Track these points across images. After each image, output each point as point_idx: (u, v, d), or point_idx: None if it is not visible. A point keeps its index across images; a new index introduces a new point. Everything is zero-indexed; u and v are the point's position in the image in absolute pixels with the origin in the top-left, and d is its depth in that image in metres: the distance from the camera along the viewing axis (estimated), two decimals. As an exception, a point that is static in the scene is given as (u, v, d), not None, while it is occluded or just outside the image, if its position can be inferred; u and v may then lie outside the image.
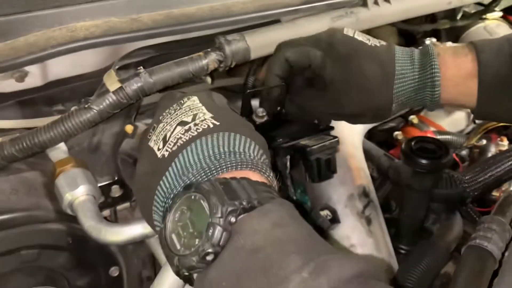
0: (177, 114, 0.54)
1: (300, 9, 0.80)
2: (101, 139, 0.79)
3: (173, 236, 0.43)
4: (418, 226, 0.88)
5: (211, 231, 0.40)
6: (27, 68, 0.71)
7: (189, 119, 0.52)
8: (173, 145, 0.50)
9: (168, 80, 0.71)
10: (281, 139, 0.73)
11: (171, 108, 0.56)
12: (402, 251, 0.89)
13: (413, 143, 0.81)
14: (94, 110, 0.68)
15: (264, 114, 0.71)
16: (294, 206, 0.45)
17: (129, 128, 0.80)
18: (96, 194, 0.67)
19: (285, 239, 0.40)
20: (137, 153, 0.62)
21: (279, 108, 0.74)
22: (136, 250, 0.77)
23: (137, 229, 0.62)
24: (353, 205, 0.83)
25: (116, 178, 0.79)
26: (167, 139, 0.51)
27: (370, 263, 0.40)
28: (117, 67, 0.76)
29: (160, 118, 0.56)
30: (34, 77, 0.73)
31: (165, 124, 0.54)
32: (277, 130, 0.75)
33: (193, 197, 0.43)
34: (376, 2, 0.87)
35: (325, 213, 0.81)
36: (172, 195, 0.47)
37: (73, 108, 0.69)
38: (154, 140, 0.54)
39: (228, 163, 0.47)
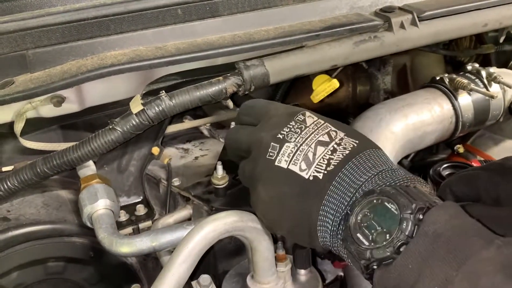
0: (306, 133, 0.55)
1: (321, 34, 0.81)
2: (130, 161, 0.84)
3: (359, 236, 0.48)
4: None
5: (404, 224, 0.45)
6: (64, 94, 0.78)
7: (326, 138, 0.54)
8: (326, 166, 0.52)
9: (187, 103, 0.75)
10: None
11: (291, 127, 0.56)
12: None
13: (441, 168, 0.78)
14: (118, 131, 0.73)
15: None
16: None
17: (155, 150, 0.84)
18: (115, 209, 0.70)
19: (463, 227, 0.45)
20: (248, 175, 0.60)
21: None
22: (156, 268, 0.79)
23: (146, 242, 0.64)
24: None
25: (141, 198, 0.83)
26: (312, 160, 0.53)
27: None
28: (144, 92, 0.81)
29: (280, 136, 0.55)
30: (72, 102, 0.80)
31: (297, 144, 0.54)
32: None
33: (375, 201, 0.48)
34: (402, 26, 0.86)
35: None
36: (344, 208, 0.51)
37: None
38: (287, 161, 0.54)
39: (395, 179, 0.51)
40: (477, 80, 0.97)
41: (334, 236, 0.51)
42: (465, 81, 0.93)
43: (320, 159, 0.52)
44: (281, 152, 0.54)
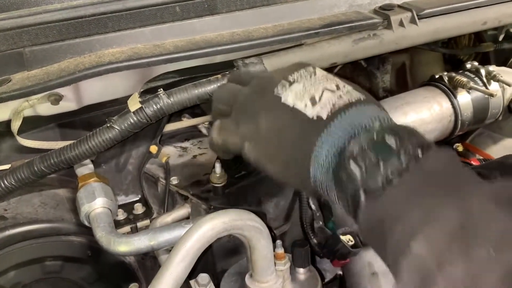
0: (315, 80, 0.56)
1: (320, 32, 0.81)
2: (128, 159, 0.83)
3: (352, 167, 0.47)
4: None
5: (402, 157, 0.45)
6: (62, 92, 0.77)
7: (333, 87, 0.54)
8: (331, 108, 0.52)
9: (186, 101, 0.75)
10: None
11: (301, 72, 0.57)
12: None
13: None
14: (116, 130, 0.72)
15: None
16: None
17: (153, 148, 0.84)
18: (113, 208, 0.70)
19: (460, 170, 0.45)
20: (244, 100, 0.59)
21: None
22: (155, 267, 0.79)
23: (144, 241, 0.64)
24: (377, 231, 0.79)
25: (139, 197, 0.82)
26: (317, 100, 0.53)
27: None
28: (142, 90, 0.80)
29: (290, 79, 0.56)
30: (69, 100, 0.80)
31: (305, 86, 0.55)
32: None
33: (375, 137, 0.47)
34: (401, 24, 0.85)
35: (347, 238, 0.79)
36: (340, 144, 0.50)
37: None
38: (293, 99, 0.54)
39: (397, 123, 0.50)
40: (476, 78, 0.96)
41: (326, 172, 0.50)
42: (464, 79, 0.93)
43: (326, 102, 0.53)
44: (289, 90, 0.55)
